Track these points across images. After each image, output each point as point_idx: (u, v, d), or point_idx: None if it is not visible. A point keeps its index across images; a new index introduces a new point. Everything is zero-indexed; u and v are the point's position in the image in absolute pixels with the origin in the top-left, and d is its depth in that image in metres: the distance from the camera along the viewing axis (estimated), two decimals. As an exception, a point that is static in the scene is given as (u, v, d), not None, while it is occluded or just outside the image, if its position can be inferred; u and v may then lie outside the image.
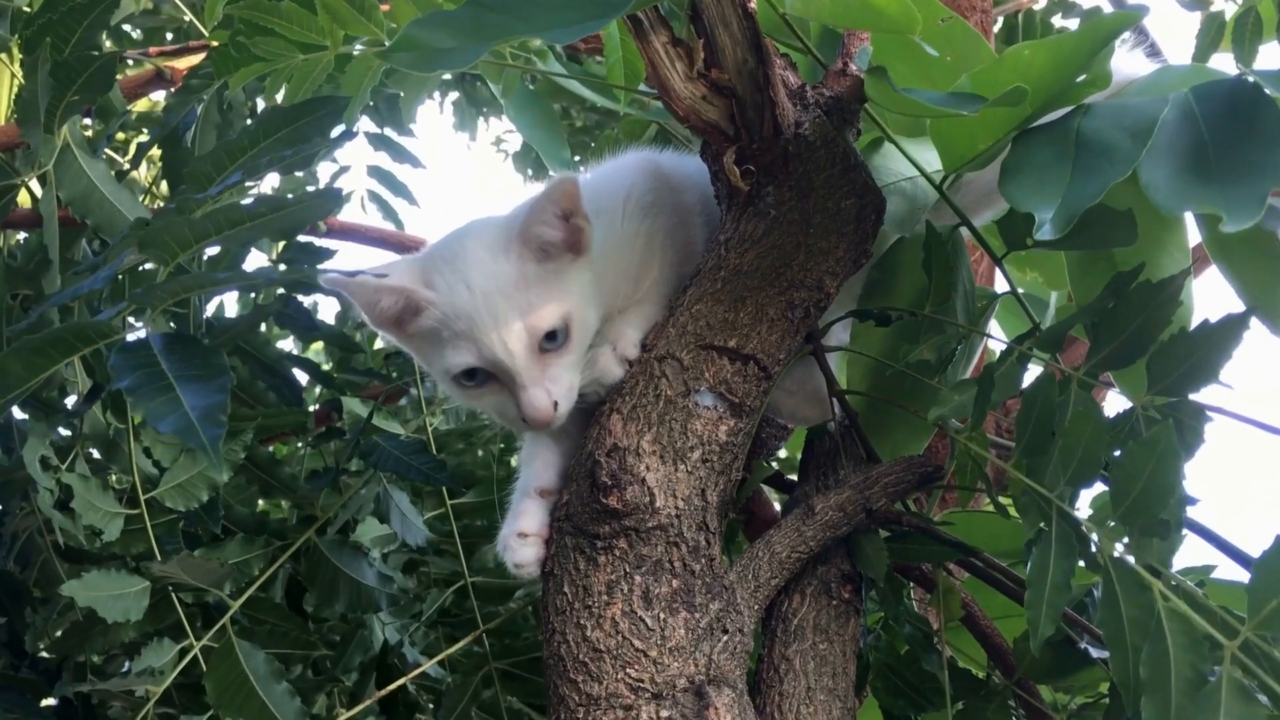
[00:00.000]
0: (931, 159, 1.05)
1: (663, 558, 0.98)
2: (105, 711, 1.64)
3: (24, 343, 0.79)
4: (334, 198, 0.88)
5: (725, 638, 0.97)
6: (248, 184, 1.34)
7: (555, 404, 1.01)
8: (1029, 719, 1.20)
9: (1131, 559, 0.83)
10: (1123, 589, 0.82)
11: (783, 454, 1.90)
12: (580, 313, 1.03)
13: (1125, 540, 0.86)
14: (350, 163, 2.51)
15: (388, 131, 2.38)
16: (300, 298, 1.77)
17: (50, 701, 1.67)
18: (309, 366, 1.84)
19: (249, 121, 1.51)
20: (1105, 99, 0.93)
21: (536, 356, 1.01)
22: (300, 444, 2.05)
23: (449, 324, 1.02)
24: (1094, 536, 0.88)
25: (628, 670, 0.94)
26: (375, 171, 2.40)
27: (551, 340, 1.02)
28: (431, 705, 1.86)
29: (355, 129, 1.07)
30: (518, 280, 1.01)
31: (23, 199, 1.51)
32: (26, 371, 0.80)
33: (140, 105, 2.24)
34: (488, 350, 1.00)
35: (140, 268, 1.22)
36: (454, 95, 3.73)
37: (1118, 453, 0.92)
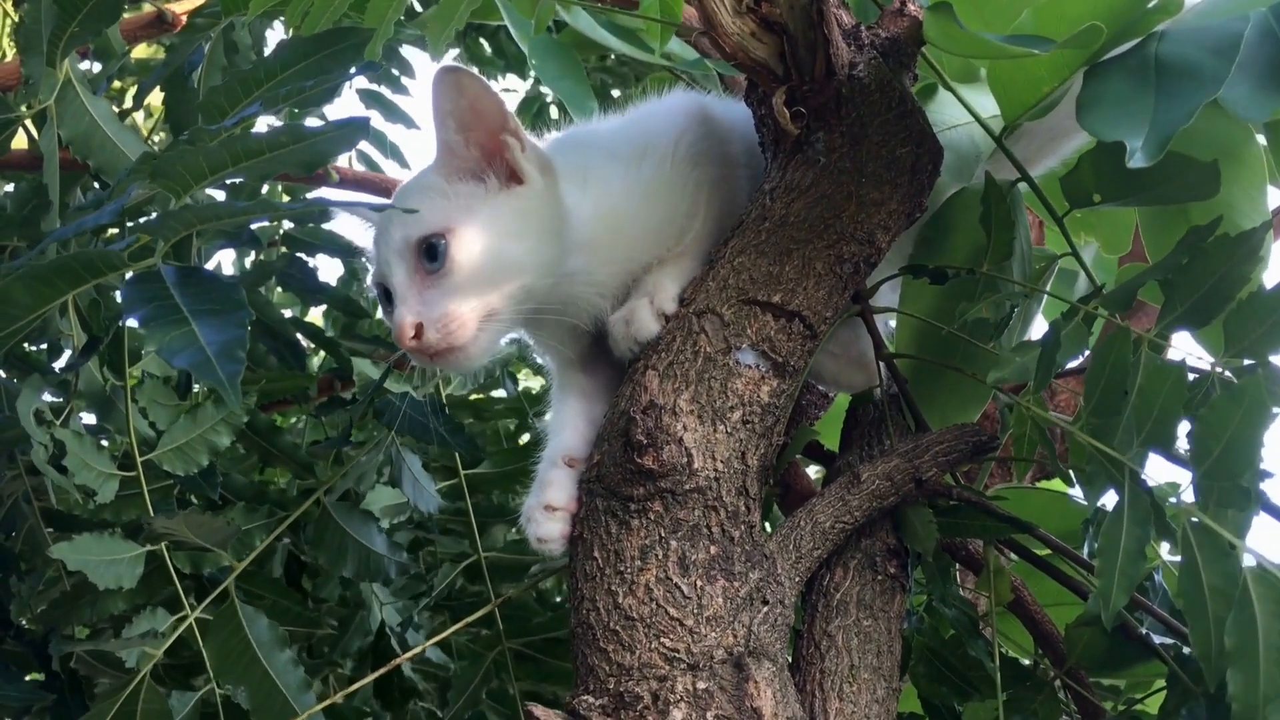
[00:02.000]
0: (988, 104, 1.04)
1: (700, 522, 0.97)
2: (92, 687, 1.64)
3: (30, 270, 0.78)
4: (361, 127, 0.87)
5: (765, 609, 0.97)
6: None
7: (419, 326, 0.97)
8: (1079, 712, 1.19)
9: (1215, 524, 0.82)
10: (1203, 556, 0.81)
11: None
12: (475, 236, 0.99)
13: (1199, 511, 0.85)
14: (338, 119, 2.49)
15: (381, 89, 2.36)
16: (304, 257, 1.77)
17: (36, 677, 1.67)
18: (312, 331, 1.84)
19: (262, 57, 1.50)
20: (1172, 24, 0.93)
21: (420, 277, 0.99)
22: (300, 416, 2.05)
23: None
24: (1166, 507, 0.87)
25: (662, 640, 0.93)
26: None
27: (431, 260, 0.99)
28: (434, 693, 1.86)
29: (377, 64, 1.05)
30: (416, 190, 1.02)
31: (16, 143, 1.50)
32: (32, 300, 0.79)
33: (138, 52, 2.23)
34: (377, 266, 1.03)
35: (142, 219, 1.21)
36: (454, 51, 3.69)
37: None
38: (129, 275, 0.83)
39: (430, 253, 0.99)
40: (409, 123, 2.40)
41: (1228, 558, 0.81)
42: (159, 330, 0.77)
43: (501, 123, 1.01)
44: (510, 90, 4.29)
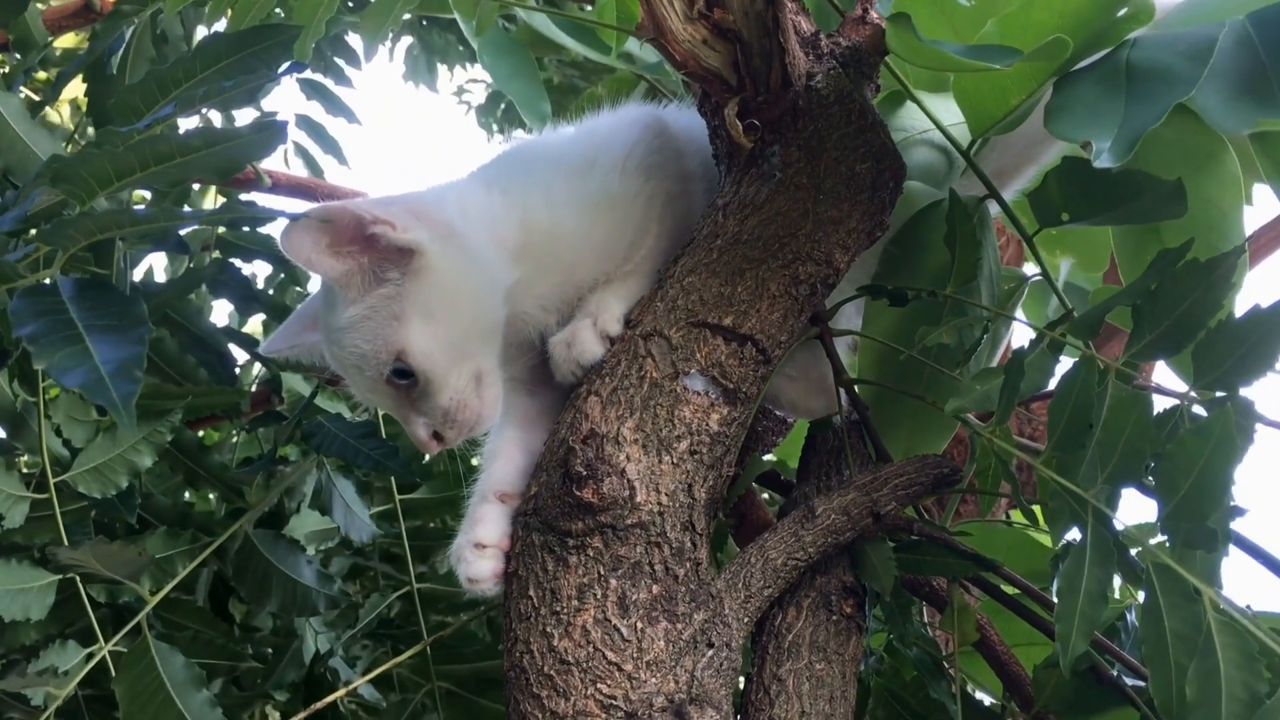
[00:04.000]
0: (960, 113, 1.04)
1: (642, 560, 0.96)
2: (1, 722, 1.60)
3: (-86, 284, 0.77)
4: (278, 131, 0.85)
5: (710, 652, 0.95)
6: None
7: (435, 435, 1.05)
8: (1047, 757, 1.19)
9: (1179, 567, 0.82)
10: (1166, 601, 0.81)
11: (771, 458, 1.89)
12: (419, 336, 1.02)
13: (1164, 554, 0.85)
14: (277, 109, 2.47)
15: (323, 79, 2.34)
16: (239, 263, 1.74)
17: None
18: (245, 342, 1.81)
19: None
20: (1144, 32, 0.93)
21: (405, 394, 1.04)
22: (233, 431, 2.02)
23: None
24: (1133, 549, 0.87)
25: (599, 685, 0.92)
26: (305, 122, 2.34)
27: (404, 378, 1.03)
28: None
29: (305, 63, 1.04)
30: (348, 327, 1.03)
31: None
32: (-84, 317, 0.77)
33: (64, 41, 2.20)
34: (359, 397, 1.10)
35: (62, 214, 1.19)
36: (407, 40, 3.67)
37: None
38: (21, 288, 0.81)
39: (401, 375, 1.03)
40: (350, 116, 2.38)
41: (1192, 603, 0.81)
42: (49, 347, 0.75)
43: (360, 222, 1.00)
44: (476, 80, 4.28)
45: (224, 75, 0.98)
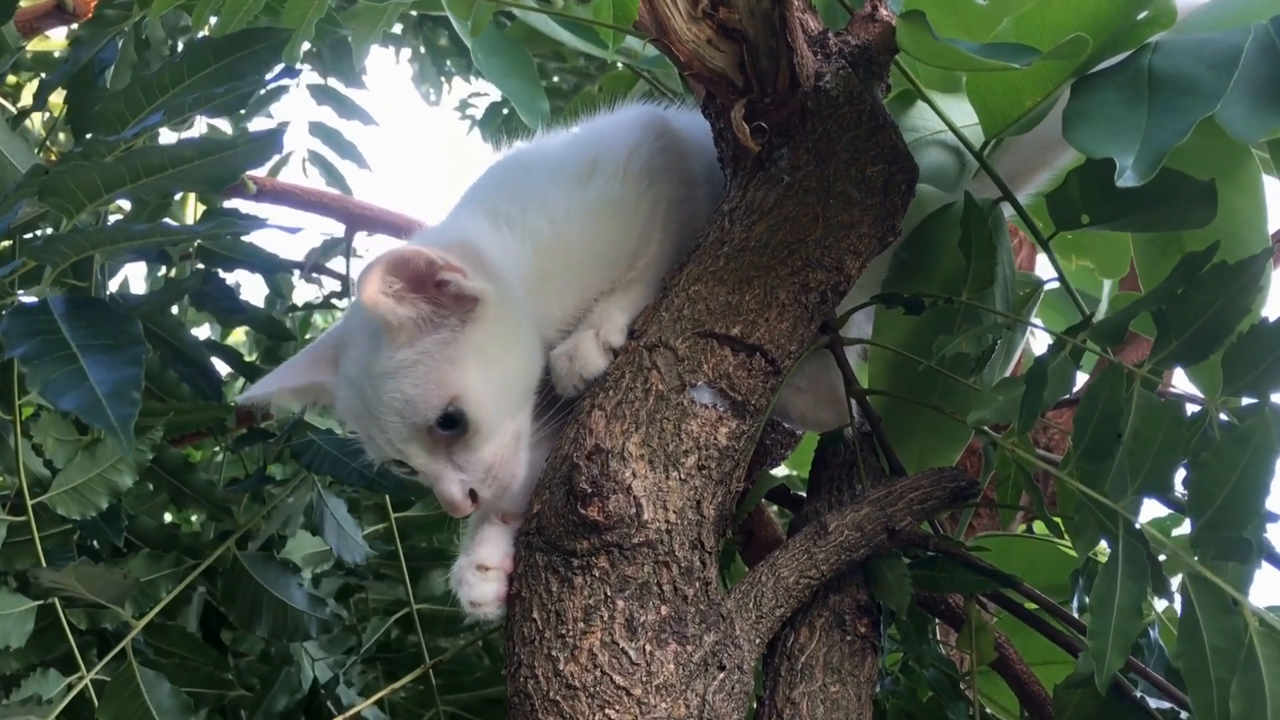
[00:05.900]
0: (972, 113, 1.05)
1: (650, 580, 0.96)
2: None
3: (-104, 300, 0.77)
4: (273, 140, 0.86)
5: (721, 675, 0.96)
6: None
7: (472, 492, 1.02)
8: (1069, 779, 1.19)
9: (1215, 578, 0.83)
10: (1204, 614, 0.82)
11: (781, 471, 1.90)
12: (477, 385, 1.00)
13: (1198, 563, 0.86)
14: (288, 118, 2.48)
15: (332, 83, 2.35)
16: (221, 273, 1.75)
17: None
18: (229, 355, 1.82)
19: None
20: (1166, 36, 0.94)
21: (443, 445, 1.01)
22: (218, 448, 2.03)
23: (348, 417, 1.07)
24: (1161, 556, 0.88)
25: (607, 711, 0.92)
26: (318, 129, 2.35)
27: (449, 427, 1.00)
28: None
29: (298, 68, 1.04)
30: (393, 371, 1.01)
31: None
32: (-103, 335, 0.78)
33: (34, 44, 2.20)
34: (378, 452, 1.04)
35: (38, 231, 1.19)
36: (408, 53, 3.70)
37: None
38: (12, 307, 0.82)
39: (447, 423, 1.00)
40: (365, 118, 2.39)
41: (1231, 615, 0.81)
42: (43, 368, 0.76)
43: (433, 266, 0.99)
44: (481, 94, 4.28)
45: (214, 81, 0.98)
